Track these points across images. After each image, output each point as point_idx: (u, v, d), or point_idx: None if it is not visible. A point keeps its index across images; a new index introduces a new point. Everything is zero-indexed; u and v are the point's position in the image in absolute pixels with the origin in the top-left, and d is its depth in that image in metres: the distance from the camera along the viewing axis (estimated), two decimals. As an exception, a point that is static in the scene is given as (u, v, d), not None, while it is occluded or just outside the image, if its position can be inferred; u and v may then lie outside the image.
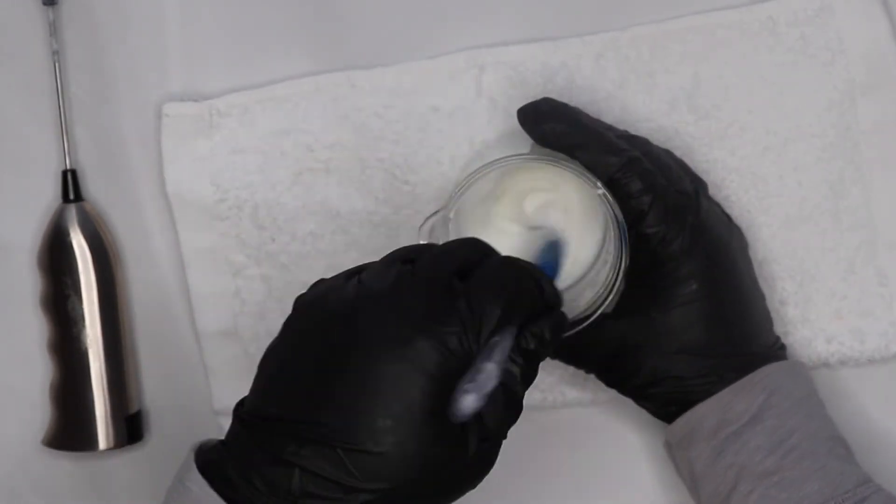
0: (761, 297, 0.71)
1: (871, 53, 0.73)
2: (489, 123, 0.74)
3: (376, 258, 0.74)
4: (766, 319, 0.70)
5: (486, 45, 0.74)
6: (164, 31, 0.75)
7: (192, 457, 0.60)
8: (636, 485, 0.75)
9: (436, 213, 0.65)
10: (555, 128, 0.68)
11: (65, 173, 0.74)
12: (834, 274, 0.74)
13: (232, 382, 0.75)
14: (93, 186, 0.76)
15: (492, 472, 0.75)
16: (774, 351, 0.69)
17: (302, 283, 0.74)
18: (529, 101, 0.71)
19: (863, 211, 0.74)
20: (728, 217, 0.71)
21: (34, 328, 0.75)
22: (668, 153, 0.71)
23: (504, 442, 0.75)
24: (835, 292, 0.74)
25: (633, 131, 0.72)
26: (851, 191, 0.74)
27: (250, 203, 0.74)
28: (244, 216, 0.74)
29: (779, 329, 0.73)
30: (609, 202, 0.66)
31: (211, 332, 0.75)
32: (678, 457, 0.69)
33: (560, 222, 0.68)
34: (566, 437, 0.75)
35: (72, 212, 0.74)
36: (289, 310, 0.74)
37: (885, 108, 0.73)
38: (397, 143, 0.74)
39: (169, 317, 0.75)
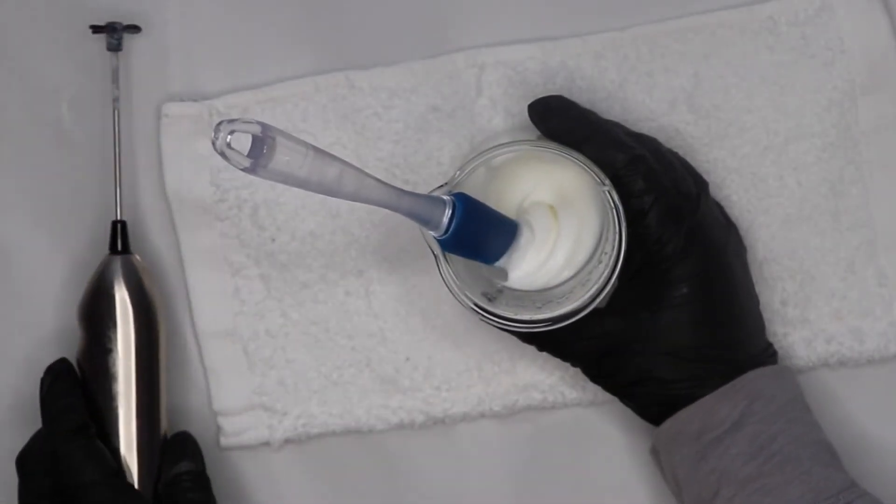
0: (755, 303, 0.70)
1: (871, 53, 0.73)
2: (489, 123, 0.74)
3: (376, 257, 0.74)
4: (758, 326, 0.70)
5: (486, 44, 0.74)
6: (165, 31, 0.75)
7: None
8: (636, 485, 0.75)
9: (439, 187, 0.65)
10: (563, 122, 0.69)
11: (114, 224, 0.73)
12: (834, 274, 0.74)
13: (231, 382, 0.75)
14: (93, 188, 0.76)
15: (491, 472, 0.75)
16: (763, 357, 0.69)
17: (301, 282, 0.74)
18: (531, 99, 0.71)
19: (863, 211, 0.73)
20: (727, 220, 0.71)
21: (72, 353, 0.73)
22: (673, 153, 0.71)
23: (504, 442, 0.75)
24: (834, 292, 0.74)
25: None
26: (851, 191, 0.74)
27: (250, 203, 0.74)
28: (244, 216, 0.74)
29: (779, 329, 0.73)
30: (612, 199, 0.65)
31: (210, 332, 0.75)
32: (663, 461, 0.69)
33: (558, 214, 0.68)
34: (566, 437, 0.75)
35: (117, 264, 0.72)
36: (288, 309, 0.74)
37: (886, 108, 0.73)
38: (397, 142, 0.74)
39: (168, 316, 0.75)
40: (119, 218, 0.73)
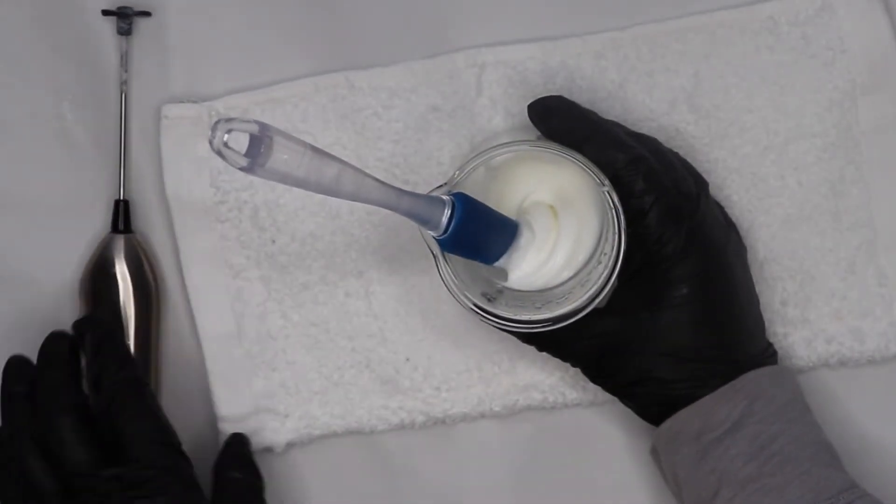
0: (755, 304, 0.70)
1: (872, 53, 0.73)
2: (489, 123, 0.74)
3: (376, 258, 0.74)
4: (757, 326, 0.70)
5: (486, 44, 0.74)
6: (164, 32, 0.75)
7: None
8: (636, 486, 0.75)
9: (439, 187, 0.65)
10: (563, 122, 0.68)
11: (117, 203, 0.74)
12: (834, 274, 0.74)
13: (234, 385, 0.74)
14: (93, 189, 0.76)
15: (491, 472, 0.75)
16: (764, 358, 0.69)
17: (301, 284, 0.74)
18: (531, 99, 0.71)
19: (863, 211, 0.73)
20: (728, 220, 0.71)
21: None
22: (674, 153, 0.71)
23: (504, 441, 0.75)
24: (835, 292, 0.74)
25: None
26: (852, 191, 0.74)
27: (250, 205, 0.74)
28: (244, 218, 0.74)
29: (779, 329, 0.73)
30: (612, 200, 0.65)
31: (212, 335, 0.74)
32: (663, 461, 0.69)
33: (558, 214, 0.68)
34: (566, 437, 0.75)
35: (119, 243, 0.73)
36: (289, 311, 0.74)
37: (886, 108, 0.73)
38: (397, 142, 0.74)
39: (168, 319, 0.75)
40: (122, 197, 0.74)
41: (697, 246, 0.67)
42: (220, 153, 0.56)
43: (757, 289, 0.71)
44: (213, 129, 0.56)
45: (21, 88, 0.75)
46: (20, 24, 0.75)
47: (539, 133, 0.70)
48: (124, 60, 0.74)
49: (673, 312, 0.67)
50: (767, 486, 0.64)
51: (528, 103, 0.70)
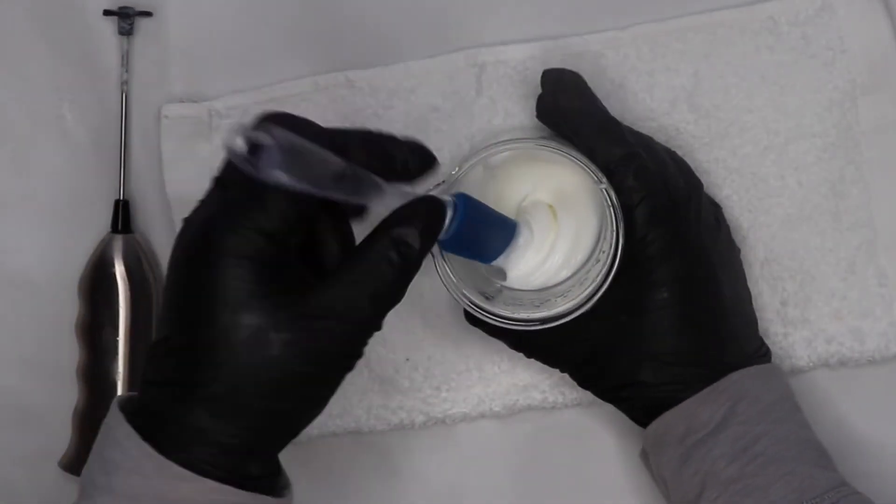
0: (746, 303, 0.70)
1: (872, 53, 0.73)
2: (489, 123, 0.74)
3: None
4: (747, 327, 0.70)
5: (486, 44, 0.74)
6: (165, 32, 0.75)
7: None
8: (636, 486, 0.75)
9: (438, 185, 0.65)
10: (571, 101, 0.68)
11: (117, 203, 0.74)
12: (834, 274, 0.73)
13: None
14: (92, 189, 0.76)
15: (491, 472, 0.75)
16: (754, 358, 0.68)
17: (301, 283, 0.74)
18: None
19: (863, 211, 0.73)
20: (719, 220, 0.71)
21: (67, 352, 0.75)
22: (670, 152, 0.71)
23: (504, 441, 0.75)
24: (835, 292, 0.73)
25: (633, 131, 0.72)
26: (852, 191, 0.73)
27: (250, 204, 0.74)
28: (244, 217, 0.74)
29: (779, 329, 0.73)
30: (610, 198, 0.65)
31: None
32: (651, 463, 0.69)
33: (557, 213, 0.68)
34: (566, 437, 0.75)
35: (118, 242, 0.74)
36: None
37: (886, 108, 0.73)
38: (397, 143, 0.74)
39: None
40: (122, 198, 0.74)
41: (682, 248, 0.66)
42: (233, 159, 0.53)
43: (757, 289, 0.71)
44: (229, 134, 0.53)
45: (21, 88, 0.75)
46: (20, 23, 0.75)
47: (537, 129, 0.70)
48: (125, 60, 0.75)
49: (653, 316, 0.66)
50: (750, 487, 0.64)
51: (544, 69, 0.70)
